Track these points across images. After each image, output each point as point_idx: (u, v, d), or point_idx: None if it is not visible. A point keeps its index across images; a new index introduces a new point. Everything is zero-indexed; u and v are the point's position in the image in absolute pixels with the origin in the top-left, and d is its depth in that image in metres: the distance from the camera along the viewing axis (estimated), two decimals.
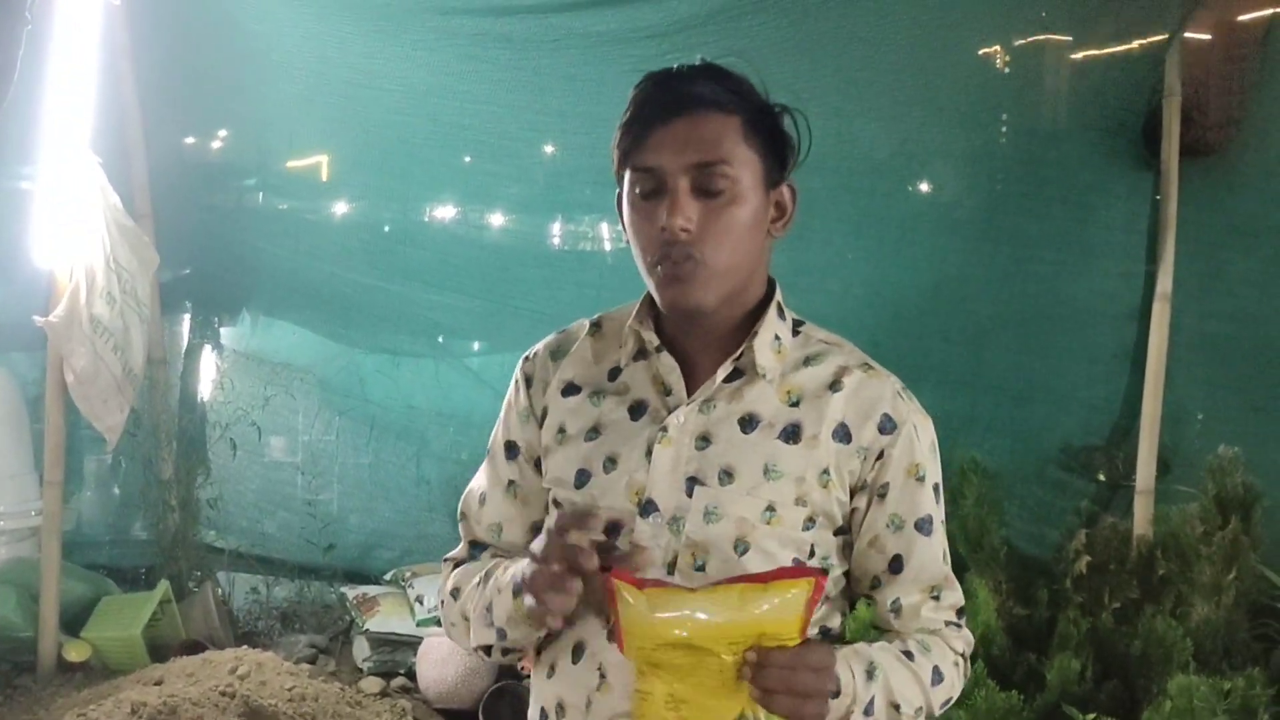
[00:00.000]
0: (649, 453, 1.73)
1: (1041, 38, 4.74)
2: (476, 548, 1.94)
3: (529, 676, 1.90)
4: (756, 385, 1.74)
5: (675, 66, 1.74)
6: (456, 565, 1.95)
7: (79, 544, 5.58)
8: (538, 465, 1.88)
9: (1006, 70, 4.86)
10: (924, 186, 5.08)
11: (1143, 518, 4.46)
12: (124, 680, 4.38)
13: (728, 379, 1.75)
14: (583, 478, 1.77)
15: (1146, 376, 4.56)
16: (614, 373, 1.82)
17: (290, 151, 5.76)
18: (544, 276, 5.35)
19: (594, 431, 1.79)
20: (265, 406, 5.67)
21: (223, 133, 5.88)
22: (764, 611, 1.51)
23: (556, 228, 5.49)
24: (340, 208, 5.77)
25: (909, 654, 1.75)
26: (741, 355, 1.74)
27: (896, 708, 1.70)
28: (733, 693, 1.53)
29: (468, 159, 5.51)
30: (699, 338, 1.77)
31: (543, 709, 1.82)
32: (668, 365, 1.77)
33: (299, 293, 5.76)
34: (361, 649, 5.00)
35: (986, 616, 4.10)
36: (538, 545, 1.62)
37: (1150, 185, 4.65)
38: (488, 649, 1.84)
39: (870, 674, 1.66)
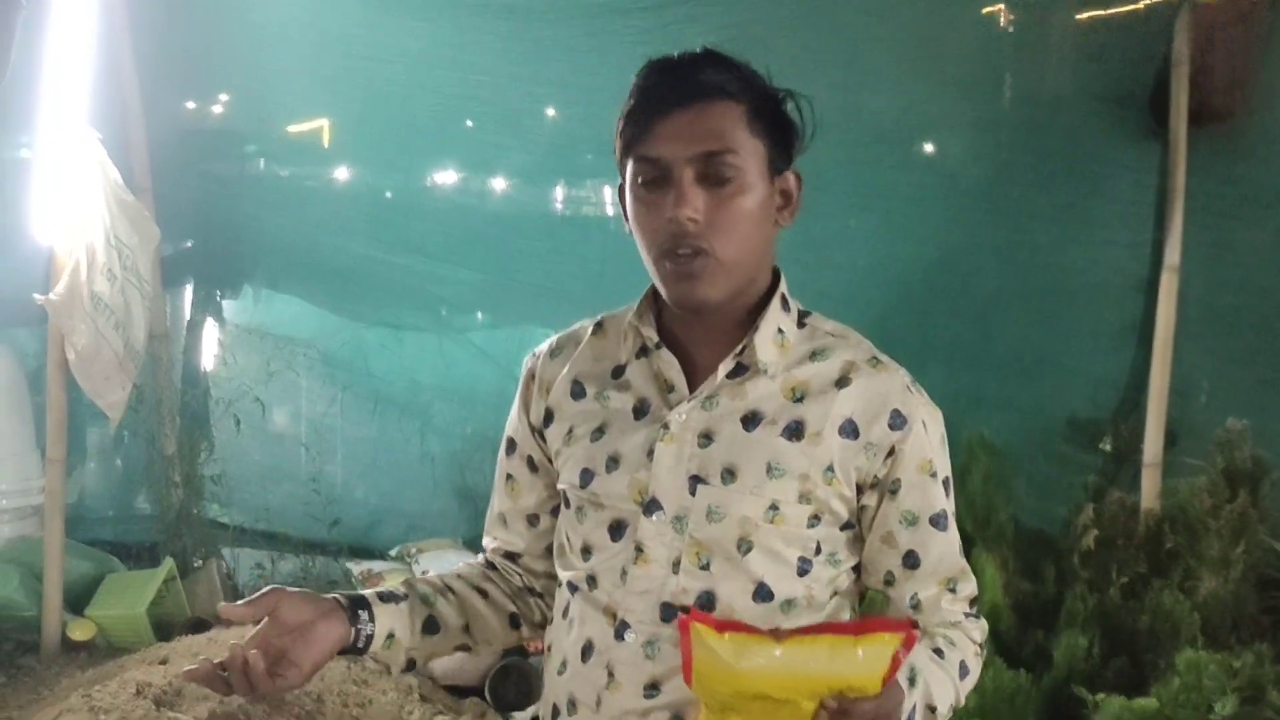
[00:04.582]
0: (651, 451, 1.71)
1: (1047, 8, 4.70)
2: (492, 541, 1.98)
3: (535, 654, 1.91)
4: (759, 381, 1.71)
5: (677, 55, 1.69)
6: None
7: (83, 519, 5.57)
8: (530, 462, 1.89)
9: (1012, 42, 4.85)
10: (929, 160, 5.05)
11: (1150, 491, 4.45)
12: (129, 659, 4.36)
13: (730, 374, 1.72)
14: (587, 477, 1.75)
15: (1154, 349, 4.55)
16: (617, 371, 1.80)
17: (290, 123, 5.72)
18: (546, 249, 5.33)
19: (599, 431, 1.77)
20: (269, 381, 5.65)
21: (221, 103, 5.83)
22: (853, 665, 1.49)
23: (558, 201, 5.47)
24: (341, 180, 5.74)
25: (939, 651, 1.74)
26: (744, 350, 1.71)
27: (933, 710, 1.69)
28: None
29: (469, 130, 5.47)
30: (701, 332, 1.74)
31: (554, 705, 1.82)
32: (668, 362, 1.74)
33: (301, 266, 5.74)
34: None
35: (993, 594, 4.09)
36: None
37: (1157, 156, 4.61)
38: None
39: (912, 681, 1.65)
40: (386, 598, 1.78)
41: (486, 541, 1.98)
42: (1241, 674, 3.48)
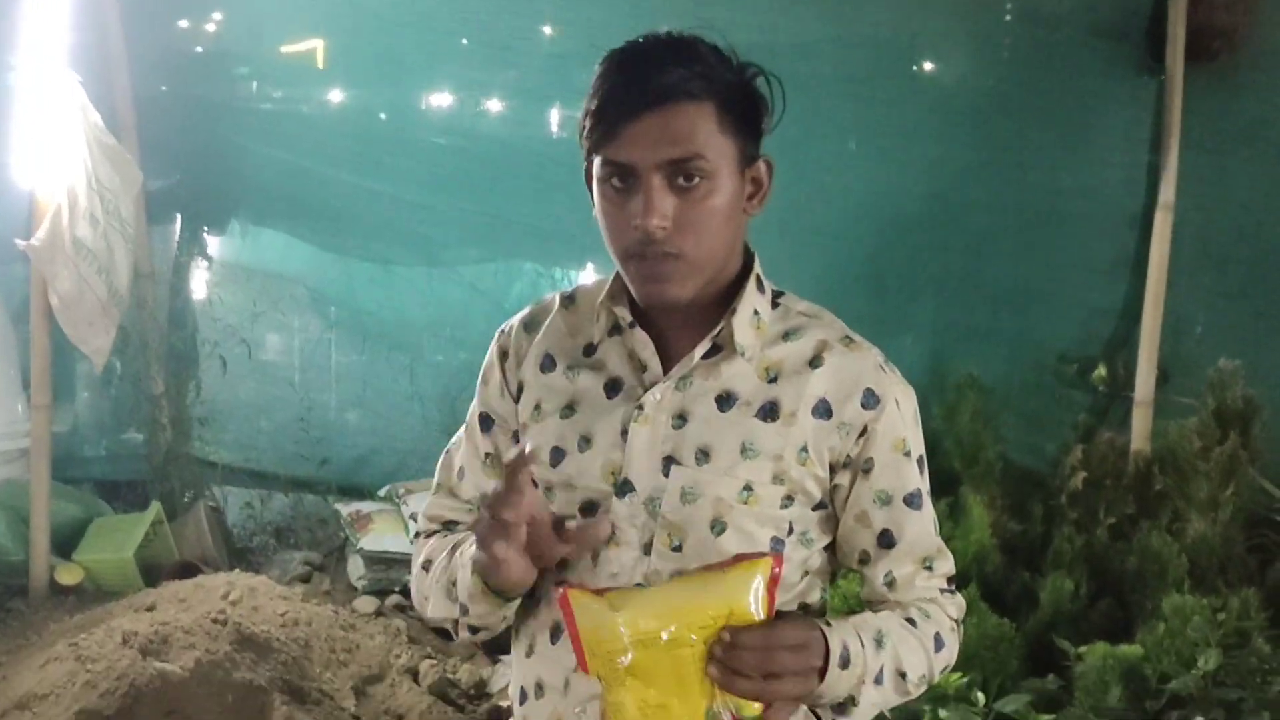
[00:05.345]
0: (625, 431, 1.70)
1: None
2: (450, 527, 1.91)
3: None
4: (734, 361, 1.70)
5: (642, 44, 1.65)
6: (428, 533, 1.92)
7: (72, 458, 5.56)
8: (516, 437, 1.84)
9: None
10: (924, 93, 4.97)
11: (1141, 430, 4.45)
12: (116, 605, 4.36)
13: (705, 355, 1.71)
14: (558, 456, 1.73)
15: (1147, 284, 4.54)
16: (589, 348, 1.78)
17: (278, 48, 5.61)
18: (536, 187, 5.25)
19: (569, 409, 1.75)
20: (257, 320, 5.61)
21: (208, 27, 5.69)
22: (726, 589, 1.51)
23: (550, 139, 5.36)
24: (329, 110, 5.64)
25: (912, 621, 1.74)
26: (720, 331, 1.70)
27: (903, 676, 1.70)
28: (702, 688, 1.51)
29: (459, 64, 5.38)
30: (674, 313, 1.72)
31: (522, 688, 1.81)
32: (642, 341, 1.72)
33: (288, 200, 5.66)
34: (356, 567, 4.99)
35: (980, 534, 4.09)
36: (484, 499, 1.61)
37: (1154, 91, 4.58)
38: (454, 625, 1.80)
39: (879, 643, 1.66)
40: None
41: (438, 511, 1.92)
42: (1227, 622, 3.47)
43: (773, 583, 1.52)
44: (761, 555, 1.55)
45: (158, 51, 5.43)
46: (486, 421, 1.87)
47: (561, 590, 1.55)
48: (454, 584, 1.74)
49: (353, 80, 5.55)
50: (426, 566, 1.84)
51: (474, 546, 1.69)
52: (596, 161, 1.65)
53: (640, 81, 1.60)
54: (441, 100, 5.47)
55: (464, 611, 1.75)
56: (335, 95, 5.60)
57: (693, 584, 1.53)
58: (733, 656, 1.48)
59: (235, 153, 5.56)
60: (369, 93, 5.57)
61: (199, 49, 5.61)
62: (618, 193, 1.62)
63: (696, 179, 1.59)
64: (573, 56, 5.08)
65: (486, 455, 1.87)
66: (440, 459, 1.94)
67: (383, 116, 5.56)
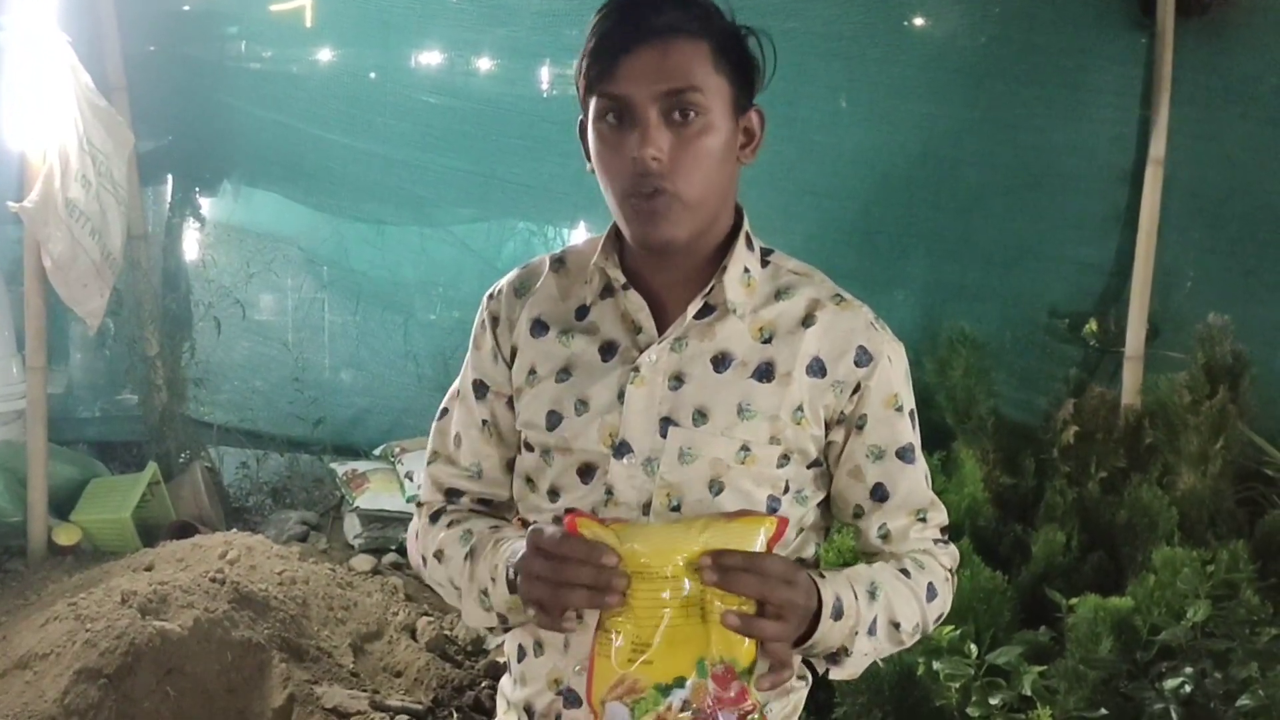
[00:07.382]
0: (621, 394, 1.70)
1: None
2: (453, 495, 1.89)
3: None
4: (728, 321, 1.71)
5: None
6: (432, 512, 1.89)
7: (67, 420, 5.56)
8: (510, 403, 1.83)
9: None
10: (914, 50, 4.95)
11: (1131, 385, 4.47)
12: (114, 565, 4.38)
13: (698, 315, 1.71)
14: (554, 420, 1.73)
15: (1138, 240, 4.56)
16: (581, 311, 1.77)
17: (266, 9, 5.57)
18: (526, 145, 5.24)
19: (564, 372, 1.75)
20: (250, 281, 5.61)
21: None
22: (726, 535, 1.52)
23: (541, 97, 5.36)
24: (319, 70, 5.60)
25: (905, 572, 1.75)
26: (711, 290, 1.70)
27: (897, 626, 1.71)
28: (692, 635, 1.51)
29: (449, 25, 5.36)
30: (667, 273, 1.72)
31: (520, 645, 1.81)
32: (636, 303, 1.72)
33: (280, 161, 5.63)
34: (352, 526, 5.02)
35: (973, 488, 4.11)
36: (545, 541, 1.55)
37: (1145, 47, 4.58)
38: (490, 629, 1.81)
39: (873, 594, 1.66)
40: None
41: (440, 478, 1.89)
42: (1216, 574, 3.49)
43: (776, 537, 1.54)
44: (769, 515, 1.56)
45: (147, 11, 5.39)
46: (481, 388, 1.85)
47: (568, 516, 1.55)
48: (485, 594, 1.73)
49: (343, 39, 5.52)
50: (439, 556, 1.82)
51: (500, 556, 1.69)
52: (593, 103, 1.64)
53: (637, 20, 1.61)
54: (432, 59, 5.45)
55: (504, 620, 1.75)
56: (325, 55, 5.57)
57: (697, 525, 1.53)
58: (711, 573, 1.48)
59: (226, 113, 5.52)
60: (359, 52, 5.55)
61: (187, 8, 5.57)
62: (613, 131, 1.62)
63: (692, 114, 1.60)
64: (563, 14, 5.06)
65: (484, 421, 1.85)
66: (432, 427, 1.92)
67: (373, 76, 5.53)
